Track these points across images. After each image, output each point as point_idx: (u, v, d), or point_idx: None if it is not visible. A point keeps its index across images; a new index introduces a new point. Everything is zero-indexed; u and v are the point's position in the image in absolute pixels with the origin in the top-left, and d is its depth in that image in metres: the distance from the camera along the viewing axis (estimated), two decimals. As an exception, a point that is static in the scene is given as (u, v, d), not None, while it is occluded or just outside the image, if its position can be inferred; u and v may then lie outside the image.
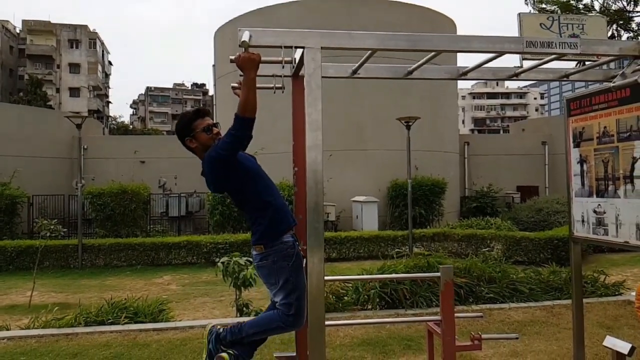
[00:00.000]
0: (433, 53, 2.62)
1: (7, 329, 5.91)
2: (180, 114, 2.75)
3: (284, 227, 2.74)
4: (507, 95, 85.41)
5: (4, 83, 47.60)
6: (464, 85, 78.91)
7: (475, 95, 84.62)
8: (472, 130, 77.46)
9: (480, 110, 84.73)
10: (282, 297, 2.71)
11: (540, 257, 11.24)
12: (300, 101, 2.70)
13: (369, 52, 2.62)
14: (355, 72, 3.02)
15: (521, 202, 19.99)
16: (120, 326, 5.75)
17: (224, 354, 2.72)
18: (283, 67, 2.47)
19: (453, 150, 19.55)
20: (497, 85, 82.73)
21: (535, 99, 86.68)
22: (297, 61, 2.69)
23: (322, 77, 2.38)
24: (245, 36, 2.23)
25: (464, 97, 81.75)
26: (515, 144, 23.07)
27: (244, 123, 2.52)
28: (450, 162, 19.04)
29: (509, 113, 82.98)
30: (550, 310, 6.14)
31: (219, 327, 2.89)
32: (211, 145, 2.75)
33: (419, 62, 2.91)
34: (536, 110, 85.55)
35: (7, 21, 50.09)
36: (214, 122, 2.85)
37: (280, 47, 2.30)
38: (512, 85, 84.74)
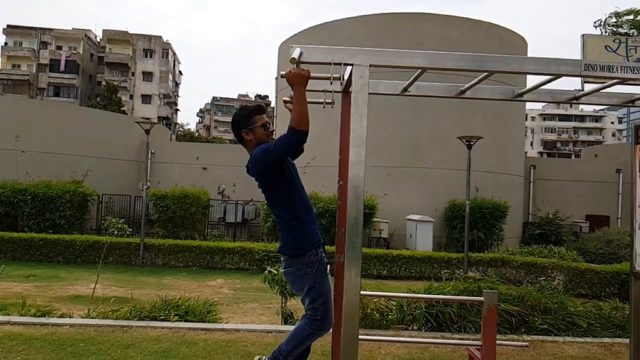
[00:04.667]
0: (485, 73, 2.58)
1: (70, 317, 6.31)
2: (241, 106, 2.98)
3: (309, 244, 2.83)
4: (581, 117, 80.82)
5: (83, 88, 51.32)
6: (534, 105, 75.18)
7: (546, 117, 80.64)
8: (540, 154, 73.94)
9: (551, 132, 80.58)
10: (309, 302, 2.83)
11: (606, 291, 10.57)
12: (349, 116, 2.75)
13: (419, 70, 2.62)
14: (405, 89, 3.03)
15: (590, 232, 18.82)
16: (171, 323, 5.98)
17: None
18: (331, 83, 2.53)
19: (517, 173, 18.76)
20: (571, 106, 78.22)
21: (612, 123, 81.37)
22: (346, 78, 2.75)
23: (372, 93, 2.42)
24: (295, 53, 2.32)
25: (533, 118, 78.28)
26: (587, 170, 21.75)
27: (298, 135, 2.63)
28: (514, 185, 18.27)
29: (583, 137, 78.45)
30: (609, 348, 5.75)
31: (263, 358, 3.10)
32: (265, 142, 2.90)
33: (471, 82, 2.87)
34: (613, 135, 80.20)
35: (89, 30, 54.10)
36: (269, 121, 3.01)
37: (330, 63, 2.37)
38: (587, 107, 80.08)
